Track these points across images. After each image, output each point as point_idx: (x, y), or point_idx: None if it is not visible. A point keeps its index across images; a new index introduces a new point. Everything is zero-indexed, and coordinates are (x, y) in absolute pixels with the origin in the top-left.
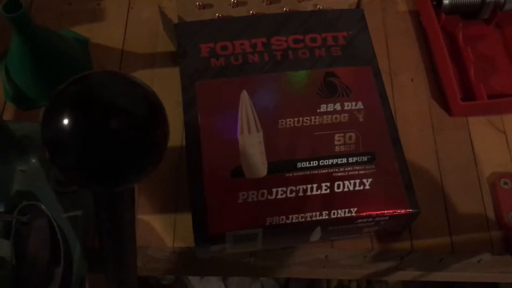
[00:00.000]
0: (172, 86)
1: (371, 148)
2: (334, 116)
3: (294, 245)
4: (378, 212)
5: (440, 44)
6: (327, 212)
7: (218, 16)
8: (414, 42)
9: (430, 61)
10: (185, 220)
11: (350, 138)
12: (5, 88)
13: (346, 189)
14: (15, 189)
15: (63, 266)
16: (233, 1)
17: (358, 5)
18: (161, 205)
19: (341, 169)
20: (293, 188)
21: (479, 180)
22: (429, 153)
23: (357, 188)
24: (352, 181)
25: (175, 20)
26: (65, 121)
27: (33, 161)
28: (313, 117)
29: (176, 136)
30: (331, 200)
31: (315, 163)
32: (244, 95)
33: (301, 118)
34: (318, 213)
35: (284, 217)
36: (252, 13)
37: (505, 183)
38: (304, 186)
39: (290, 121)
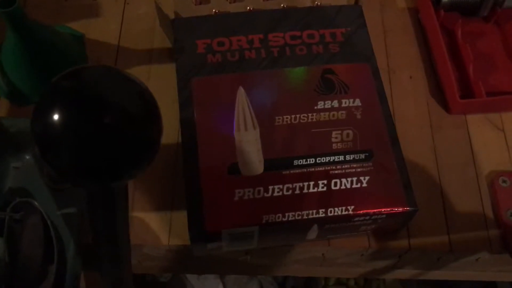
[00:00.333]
0: (169, 83)
1: (369, 145)
2: (331, 113)
3: (290, 243)
4: (375, 210)
5: (439, 42)
6: (324, 210)
7: (215, 12)
8: (413, 39)
9: (429, 58)
10: (181, 217)
11: (347, 135)
12: None
13: (343, 187)
14: (8, 186)
15: (56, 263)
16: None
17: (357, 1)
18: (157, 203)
19: (338, 167)
20: (290, 185)
21: (477, 178)
22: (428, 151)
23: (354, 186)
24: (349, 179)
25: (172, 16)
26: (57, 116)
27: (27, 157)
28: (310, 114)
29: (172, 133)
30: (328, 198)
31: (312, 160)
32: (241, 91)
33: (298, 115)
34: (315, 211)
35: (280, 215)
36: (249, 9)
37: (504, 181)
38: (301, 184)
39: (287, 118)
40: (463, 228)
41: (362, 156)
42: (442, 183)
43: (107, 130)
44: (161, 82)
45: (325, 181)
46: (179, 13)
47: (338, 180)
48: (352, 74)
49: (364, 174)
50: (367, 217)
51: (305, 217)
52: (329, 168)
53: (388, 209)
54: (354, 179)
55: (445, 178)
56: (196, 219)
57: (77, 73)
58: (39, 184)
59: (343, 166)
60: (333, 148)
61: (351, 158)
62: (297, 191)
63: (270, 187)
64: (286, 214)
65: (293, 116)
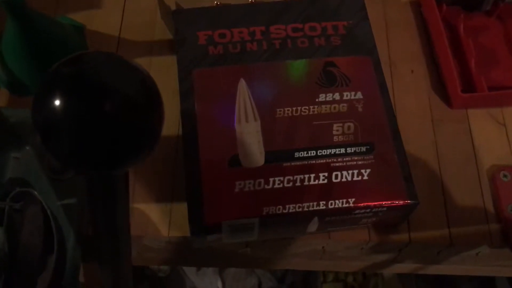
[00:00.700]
0: (170, 75)
1: (370, 138)
2: (333, 105)
3: (291, 236)
4: (376, 203)
5: (441, 36)
6: (324, 202)
7: (217, 3)
8: (415, 33)
9: (430, 52)
10: (181, 209)
11: (348, 128)
12: None
13: (344, 180)
14: (8, 176)
15: (56, 254)
16: None
17: None
18: (157, 194)
19: (339, 159)
20: (291, 177)
21: (478, 172)
22: (429, 145)
23: (355, 178)
24: (350, 172)
25: (173, 7)
26: (57, 103)
27: (27, 148)
28: (311, 107)
29: (173, 125)
30: (329, 190)
31: (313, 153)
32: (242, 83)
33: (299, 108)
34: (315, 203)
35: (281, 207)
36: (251, 0)
37: (505, 176)
38: (302, 176)
39: (288, 110)
40: (464, 222)
41: (363, 149)
42: (443, 177)
43: (108, 116)
44: (161, 74)
45: (326, 174)
46: (181, 4)
47: (339, 173)
48: (354, 67)
49: (365, 166)
50: (368, 210)
51: (305, 209)
52: (330, 160)
53: (389, 202)
54: (355, 171)
55: (446, 172)
56: (196, 210)
57: (78, 59)
58: (39, 175)
59: (344, 159)
60: (334, 140)
61: (352, 151)
62: (298, 183)
63: (271, 179)
64: (287, 206)
65: (294, 108)
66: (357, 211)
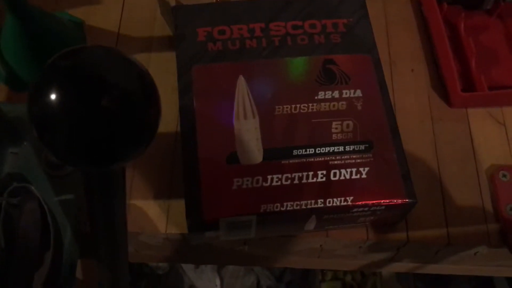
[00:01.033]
0: (168, 71)
1: (369, 137)
2: (332, 103)
3: (288, 234)
4: (374, 201)
5: (441, 35)
6: (322, 200)
7: (217, 0)
8: (415, 32)
9: (431, 51)
10: (179, 206)
11: (347, 126)
12: None
13: (342, 178)
14: (6, 171)
15: (53, 250)
16: None
17: None
18: (155, 191)
19: (337, 157)
20: (289, 175)
21: (477, 172)
22: (428, 144)
23: (353, 176)
24: (348, 170)
25: (173, 3)
26: (54, 96)
27: (25, 143)
28: (310, 104)
29: (171, 121)
30: (327, 188)
31: (312, 150)
32: (241, 80)
33: (298, 105)
34: (313, 201)
35: (279, 204)
36: None
37: (504, 176)
38: (300, 174)
39: (287, 107)
40: (462, 221)
41: (362, 147)
42: (442, 176)
43: (105, 111)
44: (161, 70)
45: (324, 172)
46: (180, 0)
47: (337, 171)
48: (354, 65)
49: (363, 165)
50: (366, 209)
51: (303, 207)
52: (328, 158)
53: (387, 201)
54: (354, 170)
55: (445, 171)
56: (194, 207)
57: (75, 53)
58: (37, 170)
59: (343, 157)
60: (333, 138)
61: (351, 149)
62: (296, 181)
63: (269, 177)
64: (285, 203)
65: (293, 106)
66: (355, 210)
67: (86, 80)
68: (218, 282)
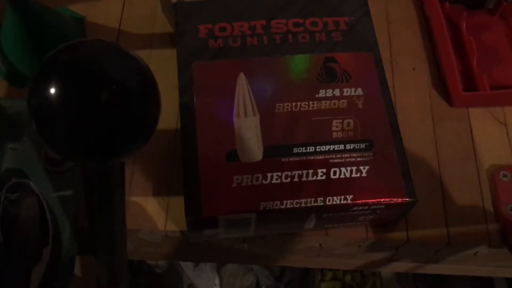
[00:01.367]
0: (169, 68)
1: (370, 135)
2: (332, 101)
3: (288, 232)
4: (374, 200)
5: (443, 34)
6: (322, 198)
7: None
8: (417, 31)
9: (432, 50)
10: (178, 203)
11: (348, 124)
12: None
13: (342, 176)
14: (5, 167)
15: (51, 246)
16: None
17: None
18: (154, 188)
19: (338, 156)
20: (289, 173)
21: (478, 171)
22: (428, 143)
23: (353, 175)
24: (348, 168)
25: (174, 0)
26: (53, 90)
27: (25, 139)
28: (311, 102)
29: (171, 118)
30: (327, 187)
31: (312, 148)
32: (242, 77)
33: (299, 103)
34: (313, 199)
35: (278, 202)
36: None
37: (504, 176)
38: (300, 172)
39: (287, 105)
40: (462, 221)
41: (362, 145)
42: (442, 176)
43: (103, 104)
44: (161, 67)
45: (324, 170)
46: None
47: (337, 169)
48: (355, 63)
49: (364, 163)
50: (366, 207)
51: (303, 205)
52: (328, 156)
53: (387, 200)
54: (354, 168)
55: (446, 170)
56: (193, 204)
57: (75, 46)
58: (36, 166)
59: (343, 155)
60: (333, 136)
61: (351, 147)
62: (296, 179)
63: (269, 174)
64: (284, 201)
65: (293, 103)
66: (355, 208)
67: (85, 73)
68: (217, 281)
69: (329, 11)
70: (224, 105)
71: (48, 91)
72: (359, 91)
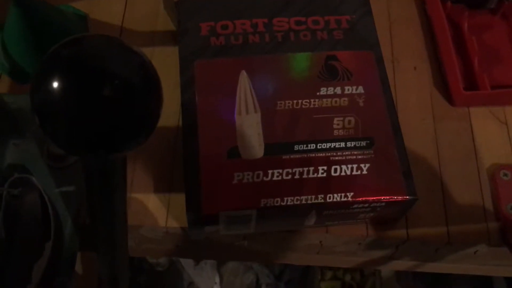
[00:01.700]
0: (171, 66)
1: (370, 133)
2: (334, 99)
3: (288, 229)
4: (374, 198)
5: (444, 33)
6: (323, 196)
7: None
8: (419, 30)
9: (434, 49)
10: (179, 200)
11: (349, 122)
12: (0, 61)
13: (343, 173)
14: (7, 162)
15: (53, 241)
16: None
17: None
18: (156, 184)
19: (339, 153)
20: (290, 170)
21: (478, 170)
22: (429, 142)
23: (354, 172)
24: (349, 166)
25: None
26: (55, 84)
27: (27, 134)
28: (312, 100)
29: (173, 115)
30: (328, 184)
31: (313, 146)
32: (243, 75)
33: (300, 101)
34: (313, 196)
35: (279, 199)
36: None
37: (505, 175)
38: (301, 169)
39: (289, 103)
40: (462, 220)
41: (363, 143)
42: (442, 174)
43: (106, 99)
44: (163, 65)
45: (325, 167)
46: None
47: (338, 167)
48: (356, 62)
49: (364, 161)
50: (366, 205)
51: (303, 202)
52: (329, 154)
53: (388, 197)
54: (354, 166)
55: (446, 169)
56: (194, 201)
57: (77, 41)
58: (39, 162)
59: (344, 153)
60: (334, 134)
61: (352, 145)
62: (297, 176)
63: (270, 171)
64: (285, 198)
65: (295, 101)
66: (355, 206)
67: (88, 68)
68: (217, 279)
69: (331, 10)
70: (225, 102)
71: (50, 85)
72: (360, 89)
